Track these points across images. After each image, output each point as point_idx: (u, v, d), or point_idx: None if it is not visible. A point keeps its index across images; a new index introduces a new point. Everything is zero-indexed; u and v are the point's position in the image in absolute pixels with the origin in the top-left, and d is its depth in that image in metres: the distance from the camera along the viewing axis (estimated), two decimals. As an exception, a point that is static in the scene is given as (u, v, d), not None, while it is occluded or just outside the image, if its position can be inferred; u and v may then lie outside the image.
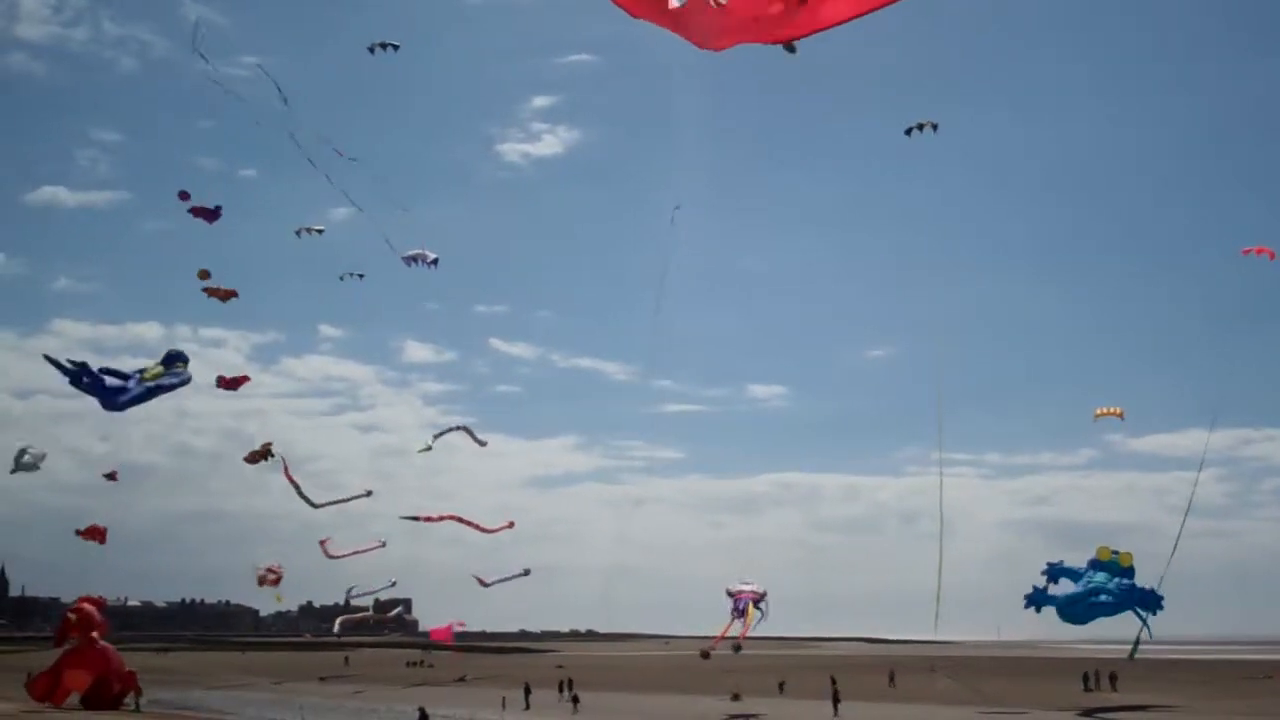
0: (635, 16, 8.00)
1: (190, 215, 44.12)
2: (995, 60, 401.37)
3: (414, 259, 48.16)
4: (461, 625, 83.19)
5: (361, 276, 51.12)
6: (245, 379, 50.07)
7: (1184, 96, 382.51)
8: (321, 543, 63.99)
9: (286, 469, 54.35)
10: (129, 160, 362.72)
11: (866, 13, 7.54)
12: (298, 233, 48.64)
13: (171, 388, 41.14)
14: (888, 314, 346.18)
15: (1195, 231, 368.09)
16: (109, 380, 39.29)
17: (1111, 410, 56.39)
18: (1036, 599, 56.75)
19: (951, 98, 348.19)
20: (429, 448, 60.01)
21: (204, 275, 44.91)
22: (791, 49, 28.87)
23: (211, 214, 43.98)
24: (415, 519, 60.94)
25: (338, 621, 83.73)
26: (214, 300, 45.57)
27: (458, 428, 60.58)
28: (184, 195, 44.27)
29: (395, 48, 40.19)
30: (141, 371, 40.84)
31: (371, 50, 39.45)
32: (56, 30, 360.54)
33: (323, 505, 58.30)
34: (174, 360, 41.52)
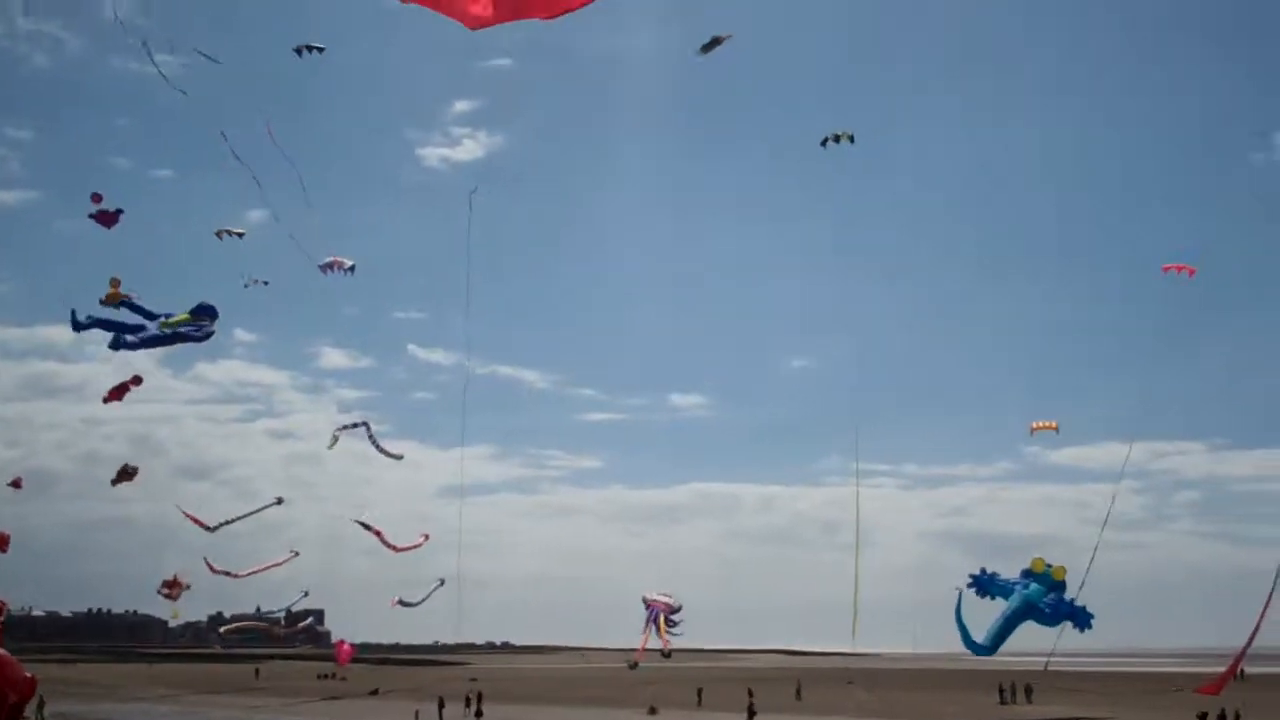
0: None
1: (91, 220, 42.51)
2: (935, 58, 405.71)
3: (330, 266, 47.25)
4: (351, 648, 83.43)
5: (266, 283, 49.71)
6: (134, 382, 47.89)
7: (1121, 107, 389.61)
8: (209, 565, 63.31)
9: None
10: (40, 158, 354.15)
11: None
12: (218, 234, 47.43)
13: (190, 338, 39.71)
14: (810, 323, 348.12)
15: (1113, 246, 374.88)
16: (127, 320, 38.15)
17: (1047, 424, 56.92)
18: (982, 582, 57.29)
19: (887, 95, 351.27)
20: (335, 440, 59.10)
21: (115, 284, 43.15)
22: (708, 48, 28.20)
23: (111, 218, 42.38)
24: (367, 527, 60.45)
25: (220, 630, 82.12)
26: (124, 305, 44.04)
27: (363, 424, 59.57)
28: (96, 197, 42.72)
29: (320, 50, 39.48)
30: (167, 316, 39.48)
31: (299, 53, 38.72)
32: None
33: (220, 526, 57.29)
34: (203, 312, 40.01)
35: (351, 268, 46.92)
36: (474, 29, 7.79)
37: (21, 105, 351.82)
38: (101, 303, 40.40)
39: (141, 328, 38.89)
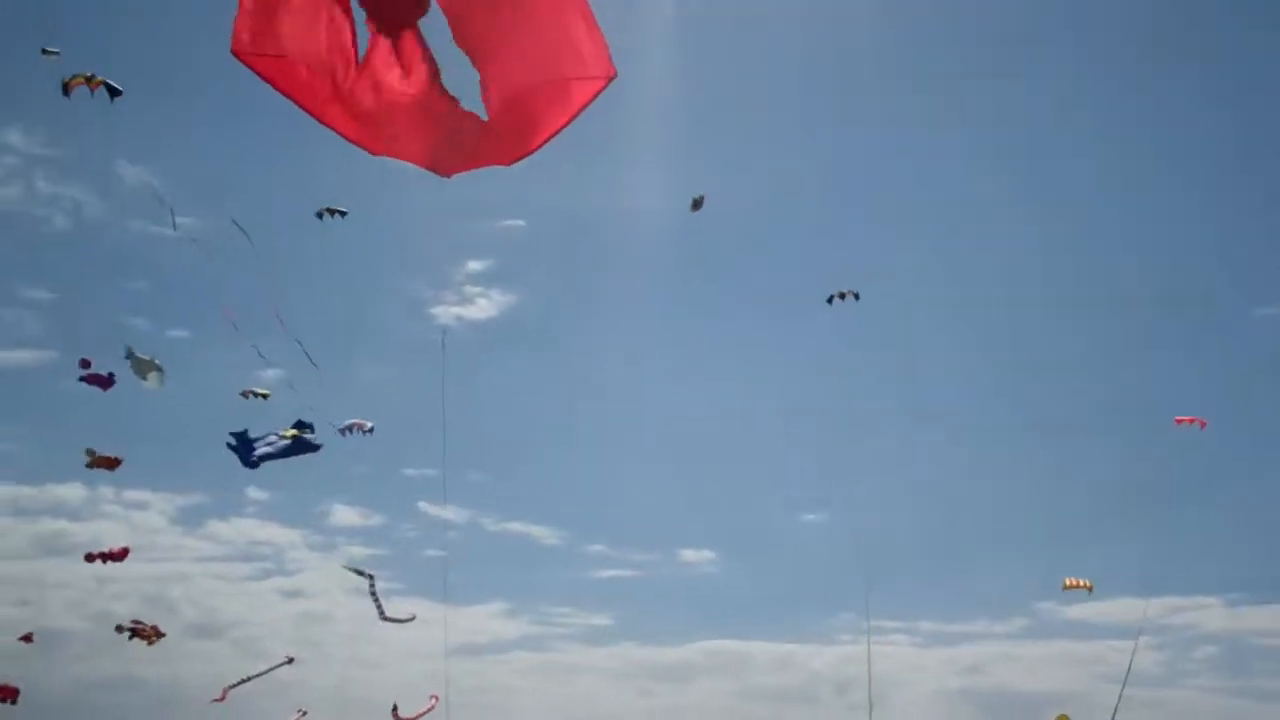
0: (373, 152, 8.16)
1: (83, 384, 42.09)
2: (930, 215, 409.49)
3: (349, 429, 47.47)
4: None
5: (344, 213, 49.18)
6: (125, 552, 47.37)
7: (1127, 255, 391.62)
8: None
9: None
10: (58, 319, 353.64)
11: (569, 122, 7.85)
12: (244, 395, 47.49)
13: (309, 448, 39.93)
14: (822, 477, 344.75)
15: (1126, 399, 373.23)
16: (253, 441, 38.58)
17: (1081, 583, 55.73)
18: None
19: (887, 250, 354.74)
20: (352, 571, 57.89)
21: (91, 454, 42.65)
22: (698, 205, 29.31)
23: (105, 382, 41.75)
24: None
25: None
26: (137, 463, 44.29)
27: (369, 576, 58.55)
28: (84, 363, 41.73)
29: (343, 214, 39.99)
30: (278, 432, 39.85)
31: (320, 216, 39.09)
32: None
33: (234, 686, 56.46)
34: (305, 426, 40.31)
35: (371, 429, 47.40)
36: (447, 176, 8.23)
37: (41, 267, 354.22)
38: (87, 466, 40.90)
39: (251, 448, 39.29)
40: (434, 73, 7.65)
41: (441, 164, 7.98)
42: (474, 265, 61.28)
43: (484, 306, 62.83)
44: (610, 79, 7.39)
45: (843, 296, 33.38)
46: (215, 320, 29.13)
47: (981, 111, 62.28)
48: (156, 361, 38.66)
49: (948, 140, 62.57)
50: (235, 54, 7.06)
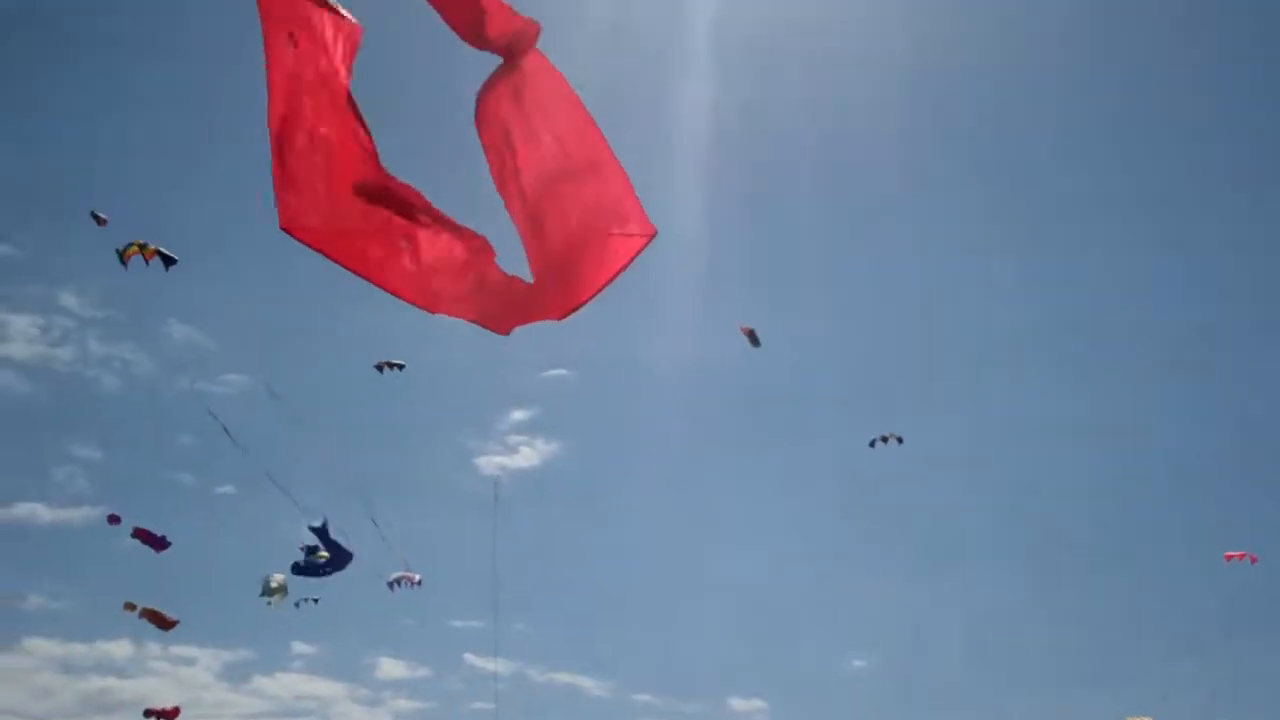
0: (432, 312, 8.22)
1: (137, 539, 41.73)
2: (959, 374, 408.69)
3: (398, 582, 47.28)
4: None
5: (316, 601, 49.15)
6: (177, 711, 46.87)
7: (1178, 408, 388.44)
8: None
9: None
10: (108, 476, 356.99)
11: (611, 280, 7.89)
12: (303, 552, 47.31)
13: (345, 558, 39.93)
14: (869, 620, 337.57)
15: (1177, 536, 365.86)
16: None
17: None
18: None
19: (930, 403, 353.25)
20: None
21: (131, 608, 41.90)
22: (754, 338, 29.36)
23: (159, 543, 41.16)
24: None
25: None
26: (184, 618, 44.01)
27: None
28: (113, 519, 40.98)
29: (401, 367, 40.44)
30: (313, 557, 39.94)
31: (379, 369, 39.62)
32: (44, 350, 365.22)
33: None
34: (319, 531, 40.41)
35: (419, 582, 47.20)
36: (505, 334, 8.33)
37: (92, 426, 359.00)
38: (140, 617, 40.90)
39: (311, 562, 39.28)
40: (483, 244, 7.86)
41: (496, 321, 8.14)
42: (518, 415, 61.51)
43: (528, 455, 62.82)
44: (651, 237, 7.54)
45: (885, 440, 33.46)
46: (261, 475, 29.39)
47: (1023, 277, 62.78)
48: (285, 583, 39.44)
49: (988, 279, 62.92)
50: (284, 229, 7.24)
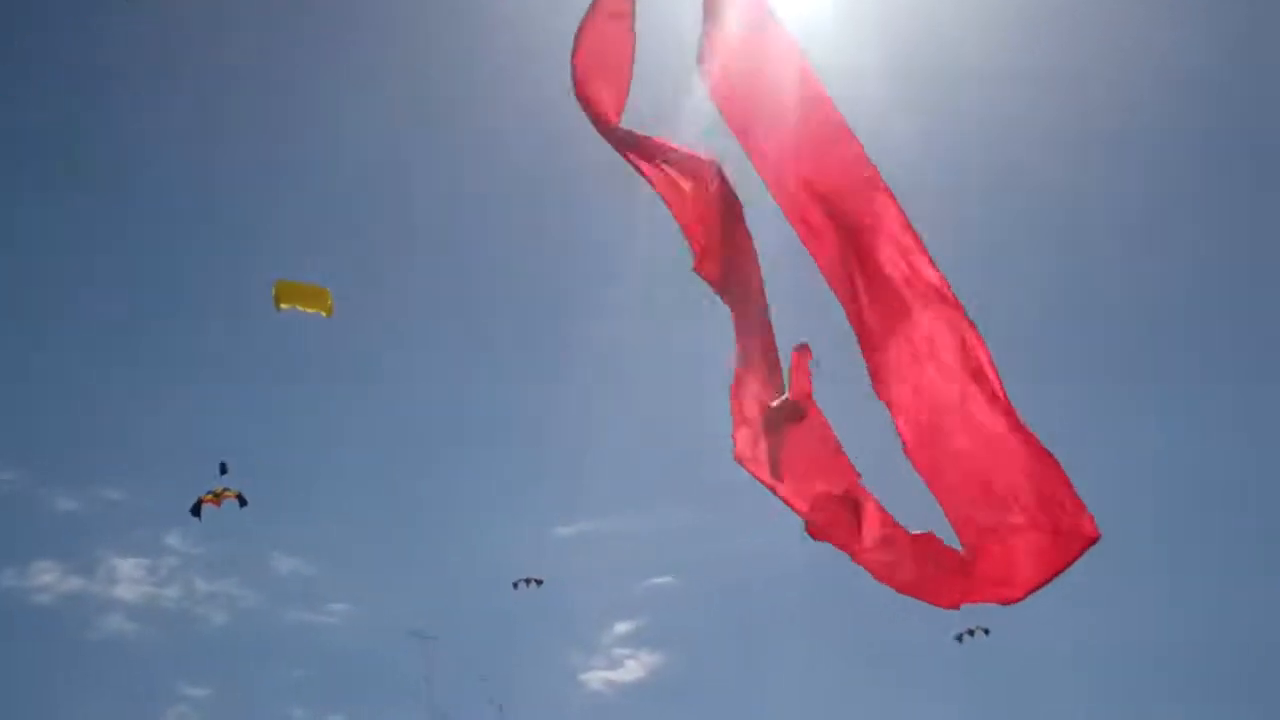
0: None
1: None
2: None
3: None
4: None
5: None
6: None
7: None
8: None
9: None
10: (218, 714, 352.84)
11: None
12: None
13: None
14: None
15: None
16: None
17: None
18: None
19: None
20: None
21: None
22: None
23: None
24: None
25: None
26: None
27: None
28: None
29: (539, 583, 39.72)
30: None
31: (515, 586, 38.93)
32: (150, 590, 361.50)
33: None
34: None
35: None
36: (954, 609, 7.75)
37: (201, 664, 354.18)
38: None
39: None
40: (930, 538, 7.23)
41: (947, 598, 7.43)
42: (621, 627, 59.40)
43: (632, 669, 60.44)
44: (1093, 541, 6.64)
45: (972, 633, 32.40)
46: (375, 700, 28.60)
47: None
48: None
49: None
50: (736, 459, 7.02)
